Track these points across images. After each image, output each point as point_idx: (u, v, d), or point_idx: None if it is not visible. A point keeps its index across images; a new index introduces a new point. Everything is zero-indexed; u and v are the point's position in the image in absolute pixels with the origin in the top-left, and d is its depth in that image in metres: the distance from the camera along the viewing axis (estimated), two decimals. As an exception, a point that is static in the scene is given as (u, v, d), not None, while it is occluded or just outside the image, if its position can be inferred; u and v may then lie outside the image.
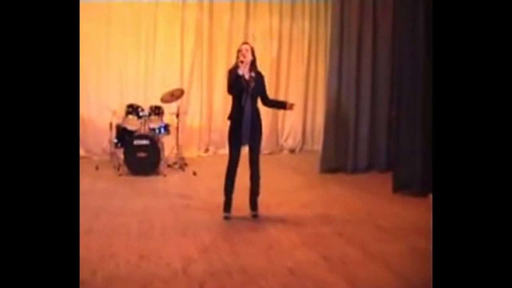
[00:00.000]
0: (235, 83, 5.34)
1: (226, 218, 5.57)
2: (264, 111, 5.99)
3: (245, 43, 5.74)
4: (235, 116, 5.45)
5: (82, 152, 9.43)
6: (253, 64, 5.45)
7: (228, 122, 5.55)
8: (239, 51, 5.44)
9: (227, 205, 5.61)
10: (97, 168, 8.30)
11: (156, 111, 8.36)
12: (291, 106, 5.66)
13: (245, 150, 5.54)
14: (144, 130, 8.20)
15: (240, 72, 5.32)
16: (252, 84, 5.38)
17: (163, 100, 8.37)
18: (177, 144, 8.71)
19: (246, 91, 5.35)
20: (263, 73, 5.61)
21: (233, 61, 5.55)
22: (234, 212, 5.60)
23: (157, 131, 8.27)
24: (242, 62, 5.33)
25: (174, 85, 9.02)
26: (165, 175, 7.86)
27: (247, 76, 5.37)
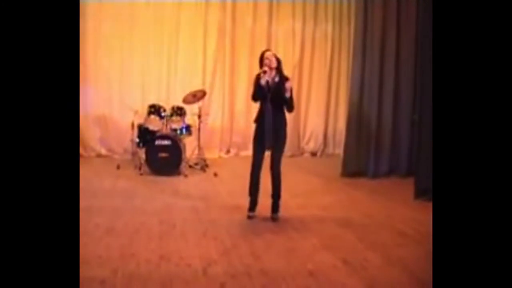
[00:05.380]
0: (258, 91, 5.42)
1: (250, 217, 5.60)
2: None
3: (268, 50, 5.77)
4: (258, 121, 5.53)
5: (103, 151, 9.60)
6: (278, 69, 5.48)
7: (253, 125, 5.63)
8: (265, 58, 5.45)
9: (252, 205, 5.64)
10: (118, 167, 8.37)
11: (178, 111, 8.41)
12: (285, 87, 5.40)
13: (268, 153, 5.56)
14: (166, 130, 8.24)
15: (263, 81, 5.35)
16: (272, 90, 5.41)
17: (185, 101, 8.42)
18: (199, 145, 8.75)
19: (267, 97, 5.41)
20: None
21: (254, 64, 5.55)
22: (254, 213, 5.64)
23: (178, 131, 8.31)
24: (265, 72, 5.36)
25: (196, 86, 9.09)
26: (186, 176, 7.89)
27: (270, 82, 5.41)
